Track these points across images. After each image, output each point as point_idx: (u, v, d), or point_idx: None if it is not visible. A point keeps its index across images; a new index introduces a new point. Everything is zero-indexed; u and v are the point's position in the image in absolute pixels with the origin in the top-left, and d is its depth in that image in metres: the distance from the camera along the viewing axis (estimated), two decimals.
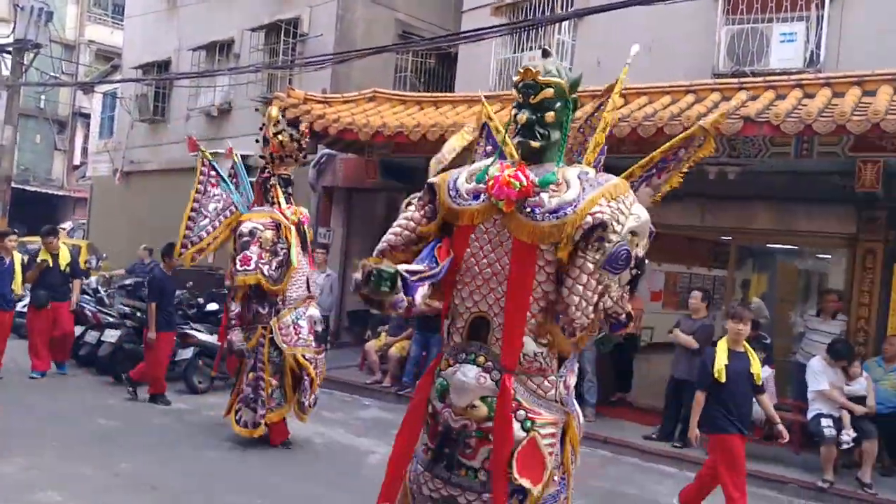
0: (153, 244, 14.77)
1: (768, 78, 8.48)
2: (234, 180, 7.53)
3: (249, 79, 14.57)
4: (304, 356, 7.03)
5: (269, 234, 6.94)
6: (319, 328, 7.30)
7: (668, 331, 8.64)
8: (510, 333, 3.03)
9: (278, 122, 7.23)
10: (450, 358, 3.17)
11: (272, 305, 7.02)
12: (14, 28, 18.32)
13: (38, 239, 18.38)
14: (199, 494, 5.85)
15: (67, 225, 24.00)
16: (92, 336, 9.99)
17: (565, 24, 10.99)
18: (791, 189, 8.76)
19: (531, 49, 11.27)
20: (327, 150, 12.54)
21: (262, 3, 15.24)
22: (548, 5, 11.24)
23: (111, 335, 9.52)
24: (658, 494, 6.81)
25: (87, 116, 25.28)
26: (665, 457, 7.93)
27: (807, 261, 10.91)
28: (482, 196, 3.07)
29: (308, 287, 7.25)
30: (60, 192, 29.65)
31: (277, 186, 7.17)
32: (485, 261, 3.06)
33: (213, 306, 10.43)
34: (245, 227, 6.95)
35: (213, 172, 7.45)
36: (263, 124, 7.33)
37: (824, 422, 7.28)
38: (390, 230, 3.29)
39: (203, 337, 9.46)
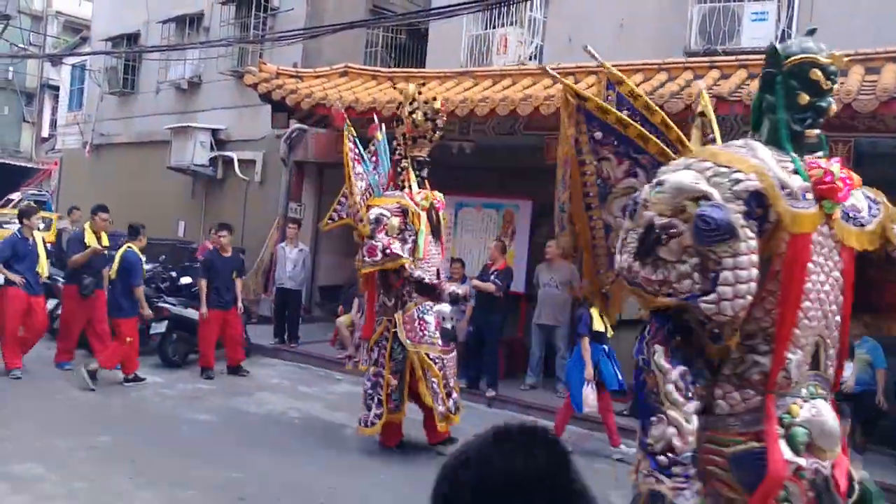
0: (123, 217, 14.62)
1: (740, 57, 8.55)
2: (374, 159, 6.97)
3: (220, 52, 14.38)
4: (428, 355, 6.47)
5: (395, 221, 6.42)
6: (448, 325, 6.68)
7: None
8: (841, 355, 2.78)
9: (414, 100, 6.69)
10: (793, 399, 2.66)
11: (398, 297, 6.57)
12: None
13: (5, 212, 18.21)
14: (176, 467, 5.87)
15: (16, 196, 23.54)
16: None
17: (537, 0, 10.96)
18: None
19: (503, 26, 11.24)
20: (298, 125, 12.46)
21: None
22: None
23: None
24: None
25: (56, 88, 24.79)
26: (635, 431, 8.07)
27: None
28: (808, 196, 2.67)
29: (439, 278, 6.78)
30: (29, 165, 29.09)
31: (410, 169, 6.71)
32: (822, 275, 2.68)
33: (186, 279, 10.39)
34: (371, 215, 6.47)
35: (357, 150, 6.91)
36: (399, 103, 6.85)
37: None
38: (743, 287, 2.50)
39: (176, 310, 9.43)
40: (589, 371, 6.91)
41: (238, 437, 6.83)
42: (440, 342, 6.54)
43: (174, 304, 9.51)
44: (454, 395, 6.63)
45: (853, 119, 7.22)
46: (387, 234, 6.40)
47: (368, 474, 6.16)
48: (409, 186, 6.66)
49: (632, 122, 3.14)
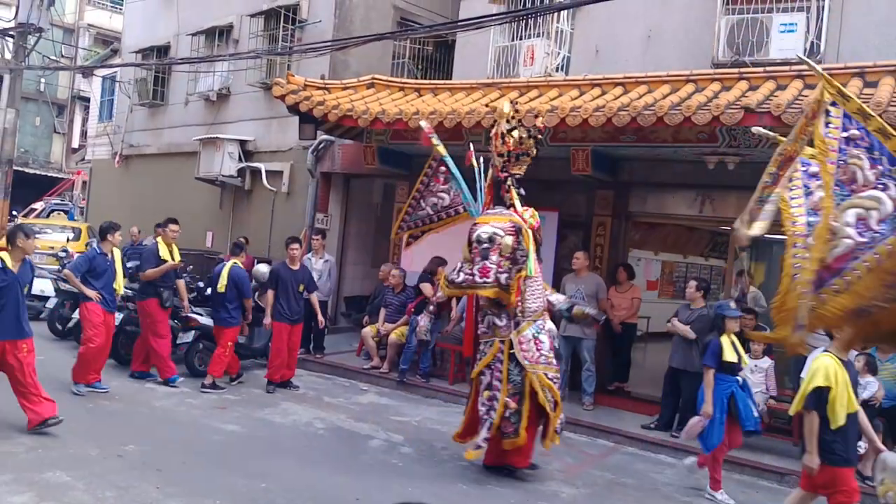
0: (152, 227, 14.81)
1: (768, 68, 8.49)
2: (473, 185, 6.99)
3: (248, 64, 14.55)
4: (546, 375, 6.31)
5: (509, 240, 6.25)
6: (557, 343, 6.57)
7: (667, 320, 8.69)
8: None
9: (511, 118, 6.56)
10: None
11: (511, 317, 6.39)
12: (17, 12, 18.30)
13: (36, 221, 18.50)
14: (203, 476, 5.91)
15: (39, 205, 23.92)
16: None
17: (564, 12, 10.97)
18: None
19: (530, 37, 11.26)
20: (325, 136, 12.55)
21: None
22: None
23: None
24: (657, 483, 6.89)
25: (87, 100, 25.24)
26: (663, 446, 7.98)
27: None
28: None
29: (544, 298, 6.60)
30: (60, 175, 29.61)
31: (512, 188, 6.59)
32: None
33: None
34: (484, 233, 6.31)
35: (442, 168, 6.88)
36: (494, 121, 6.74)
37: None
38: None
39: (204, 320, 9.51)
40: (707, 408, 6.47)
41: (264, 447, 6.86)
42: (555, 362, 6.39)
43: (201, 315, 9.59)
44: (562, 416, 6.55)
45: None
46: (500, 253, 6.25)
47: (395, 486, 6.15)
48: (513, 204, 6.52)
49: (894, 133, 2.96)
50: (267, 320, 8.96)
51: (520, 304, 6.33)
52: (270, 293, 8.98)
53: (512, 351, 6.31)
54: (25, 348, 6.44)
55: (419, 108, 9.49)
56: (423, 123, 7.16)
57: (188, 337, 9.41)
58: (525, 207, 6.56)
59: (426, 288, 9.87)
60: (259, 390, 9.04)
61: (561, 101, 8.89)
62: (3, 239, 6.58)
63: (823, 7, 9.10)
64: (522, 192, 6.66)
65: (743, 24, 9.38)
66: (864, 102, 6.83)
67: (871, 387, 7.15)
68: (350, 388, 9.79)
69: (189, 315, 9.45)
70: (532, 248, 6.37)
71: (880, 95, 6.92)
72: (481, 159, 6.98)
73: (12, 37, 18.54)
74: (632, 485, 6.84)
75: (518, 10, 10.86)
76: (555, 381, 6.36)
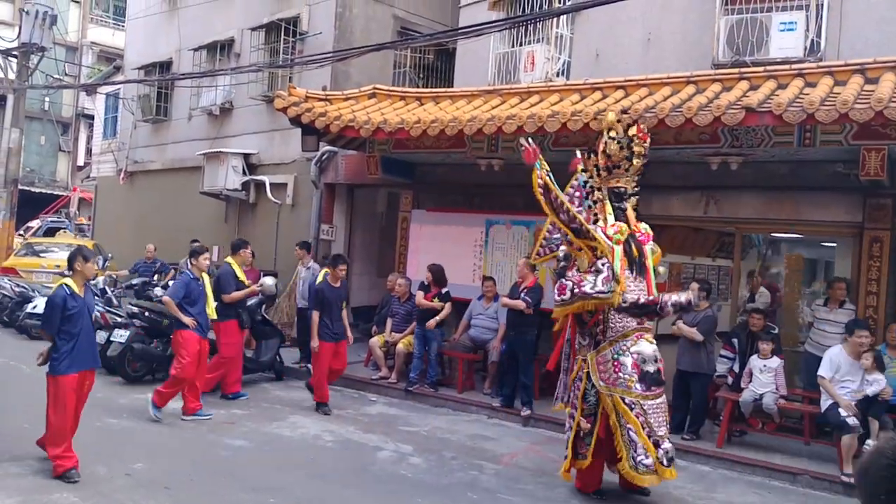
0: (158, 243, 14.87)
1: (769, 67, 8.46)
2: (579, 194, 6.78)
3: (250, 78, 14.59)
4: (623, 399, 5.98)
5: (584, 259, 6.16)
6: (651, 368, 6.04)
7: (671, 322, 8.65)
8: None
9: (611, 128, 6.30)
10: None
11: (592, 337, 6.22)
12: (20, 32, 18.44)
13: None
14: (212, 494, 5.91)
15: (35, 223, 24.00)
16: (101, 336, 10.04)
17: (563, 17, 10.97)
18: (795, 178, 8.76)
19: (530, 43, 11.27)
20: (328, 147, 12.57)
21: (261, 3, 15.26)
22: None
23: (120, 335, 9.55)
24: (669, 486, 6.82)
25: (91, 117, 25.37)
26: (676, 450, 7.91)
27: (813, 250, 10.89)
28: None
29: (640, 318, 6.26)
30: (65, 193, 29.73)
31: (606, 202, 6.33)
32: None
33: None
34: (561, 252, 6.35)
35: (578, 189, 6.68)
36: (598, 133, 6.53)
37: (843, 411, 7.07)
38: None
39: (210, 336, 9.48)
40: None
41: (273, 462, 6.84)
42: (638, 386, 6.02)
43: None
44: (664, 444, 6.01)
45: (885, 127, 7.11)
46: (578, 270, 6.17)
47: (404, 497, 6.13)
48: (605, 219, 6.27)
49: None
50: (314, 342, 8.70)
51: (601, 323, 6.13)
52: (316, 314, 8.74)
53: (589, 371, 6.16)
54: (89, 383, 6.17)
55: (420, 117, 9.49)
56: (526, 140, 6.83)
57: None
58: (614, 223, 6.21)
59: (419, 296, 9.88)
60: (268, 404, 9.03)
61: (562, 105, 8.89)
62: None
63: (823, 5, 9.07)
64: (624, 206, 6.36)
65: (742, 24, 9.35)
66: (865, 99, 6.87)
67: (879, 383, 7.11)
68: (359, 399, 9.77)
69: None
70: (620, 264, 6.01)
71: (881, 92, 6.88)
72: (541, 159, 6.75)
73: (15, 57, 18.69)
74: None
75: (517, 17, 10.87)
76: (632, 406, 5.94)
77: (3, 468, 6.04)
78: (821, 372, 7.41)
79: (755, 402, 7.86)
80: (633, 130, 6.34)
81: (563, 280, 6.18)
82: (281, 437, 7.74)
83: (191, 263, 8.34)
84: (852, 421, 6.98)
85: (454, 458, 7.29)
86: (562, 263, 6.24)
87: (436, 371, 9.93)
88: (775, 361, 7.92)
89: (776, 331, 8.47)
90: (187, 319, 7.87)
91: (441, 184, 11.77)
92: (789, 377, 8.46)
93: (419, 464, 7.07)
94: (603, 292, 5.93)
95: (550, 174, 6.38)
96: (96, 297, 10.70)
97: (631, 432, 5.95)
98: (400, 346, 10.17)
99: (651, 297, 6.14)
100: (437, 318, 9.70)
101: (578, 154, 6.80)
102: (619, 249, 6.09)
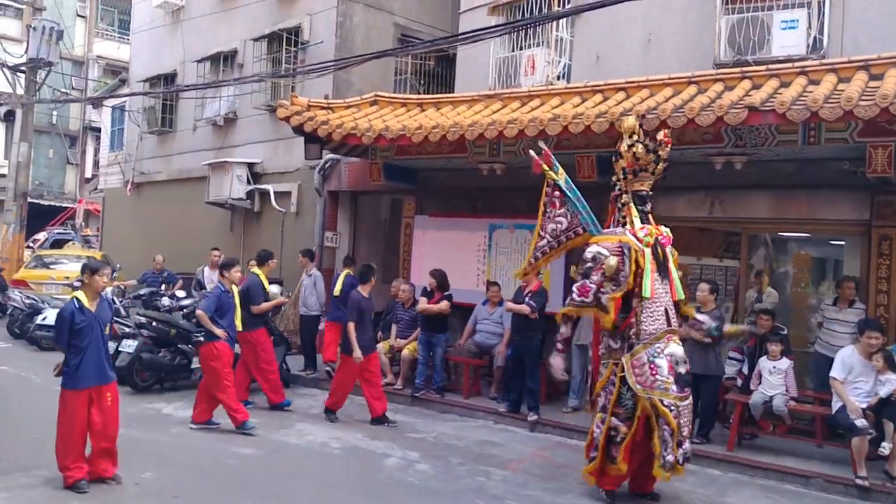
0: (165, 253, 14.91)
1: (771, 66, 8.40)
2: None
3: (253, 88, 14.64)
4: (662, 402, 5.99)
5: (613, 260, 6.07)
6: (682, 369, 6.14)
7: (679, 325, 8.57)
8: None
9: (633, 132, 6.39)
10: None
11: (625, 340, 6.21)
12: (27, 48, 18.58)
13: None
14: (220, 502, 5.91)
15: (41, 235, 24.14)
16: (110, 347, 10.06)
17: (563, 20, 10.96)
18: (801, 177, 8.69)
19: (530, 47, 11.27)
20: (331, 155, 12.59)
21: (263, 13, 15.32)
22: (544, 2, 11.22)
23: (128, 345, 9.56)
24: (679, 491, 6.77)
25: (98, 130, 25.51)
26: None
27: (821, 249, 10.82)
28: None
29: (668, 320, 6.24)
30: (73, 206, 29.89)
31: (632, 205, 6.38)
32: None
33: None
34: (588, 253, 6.26)
35: (556, 192, 6.67)
36: (619, 137, 6.56)
37: (851, 414, 6.99)
38: None
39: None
40: None
41: (280, 470, 6.83)
42: (674, 388, 6.02)
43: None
44: (685, 444, 6.13)
45: (891, 123, 7.06)
46: (603, 274, 6.12)
47: None
48: (631, 222, 6.32)
49: None
50: (357, 353, 8.43)
51: (634, 325, 6.12)
52: (352, 325, 8.50)
53: (623, 374, 6.12)
54: (110, 397, 6.04)
55: (422, 123, 9.48)
56: (540, 144, 6.88)
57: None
58: (642, 226, 6.30)
59: (422, 302, 9.85)
60: (276, 412, 9.00)
61: (563, 108, 8.86)
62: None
63: (825, 2, 9.03)
64: (647, 208, 6.43)
65: (743, 22, 9.31)
66: (870, 95, 6.82)
67: (892, 383, 7.02)
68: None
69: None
70: (650, 267, 6.09)
71: (886, 87, 6.82)
72: (557, 165, 6.81)
73: (23, 72, 18.83)
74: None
75: (517, 21, 10.86)
76: (671, 408, 5.96)
77: (13, 478, 6.07)
78: (833, 373, 7.33)
79: (765, 404, 7.77)
80: (660, 135, 6.44)
81: (588, 282, 6.16)
82: (288, 444, 7.73)
83: (221, 276, 8.41)
84: (860, 423, 6.88)
85: (461, 465, 7.25)
86: (588, 265, 6.18)
87: (441, 377, 9.89)
88: (785, 363, 7.85)
89: (785, 331, 8.39)
90: (219, 331, 7.94)
91: (444, 189, 11.76)
92: (799, 378, 8.37)
93: (426, 470, 7.03)
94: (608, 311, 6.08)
95: (560, 183, 6.54)
96: None
97: (666, 433, 5.98)
98: (405, 352, 10.14)
99: (669, 326, 6.21)
100: (437, 308, 9.68)
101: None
102: (649, 252, 6.13)
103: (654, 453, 6.07)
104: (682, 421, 6.03)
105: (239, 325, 8.31)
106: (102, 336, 6.02)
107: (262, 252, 9.64)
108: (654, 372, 6.01)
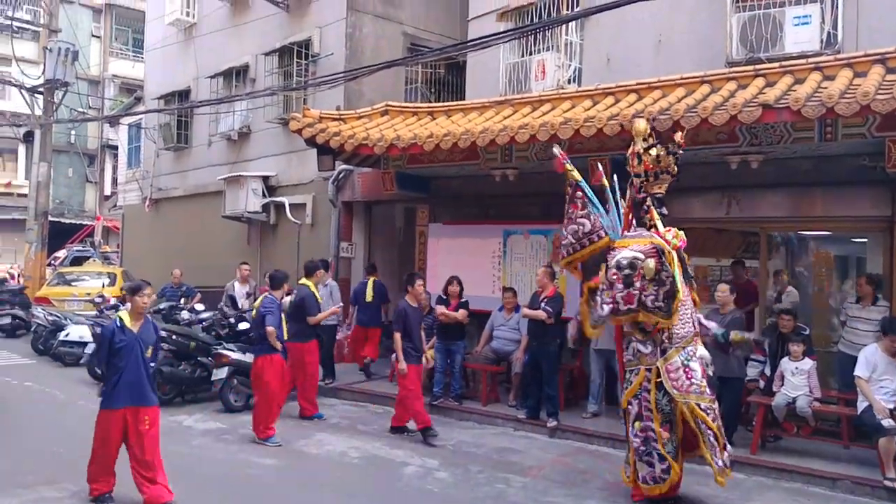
0: (183, 267, 14.98)
1: (784, 63, 8.31)
2: (606, 205, 6.71)
3: (266, 102, 14.72)
4: (699, 405, 5.95)
5: (651, 262, 6.01)
6: (711, 371, 6.17)
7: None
8: None
9: (649, 135, 6.42)
10: None
11: (657, 344, 6.15)
12: (44, 69, 18.84)
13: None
14: None
15: (62, 253, 24.39)
16: None
17: (572, 24, 10.93)
18: (819, 174, 8.57)
19: (539, 52, 11.24)
20: (344, 166, 12.62)
21: (273, 27, 15.42)
22: (553, 6, 11.19)
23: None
24: (702, 495, 6.66)
25: (115, 148, 25.79)
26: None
27: (842, 247, 10.67)
28: None
29: (694, 322, 6.23)
30: (94, 223, 30.19)
31: (654, 208, 6.39)
32: None
33: (244, 325, 10.53)
34: (624, 258, 6.11)
35: (578, 193, 6.59)
36: (632, 140, 6.52)
37: (877, 414, 6.84)
38: None
39: (236, 356, 9.53)
40: None
41: (300, 480, 6.83)
42: (709, 391, 6.01)
43: (234, 351, 9.63)
44: (729, 448, 6.19)
45: None
46: (644, 277, 6.02)
47: None
48: (655, 225, 6.31)
49: None
50: (402, 365, 8.23)
51: (667, 329, 6.09)
52: (398, 335, 8.30)
53: (659, 380, 6.04)
54: (147, 420, 5.84)
55: (433, 131, 9.47)
56: (556, 150, 6.80)
57: (222, 373, 9.43)
58: (668, 228, 6.31)
59: (439, 310, 9.80)
60: (294, 421, 8.98)
61: (574, 112, 8.81)
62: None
63: None
64: (665, 211, 6.44)
65: (755, 20, 9.23)
66: (887, 89, 6.70)
67: None
68: (384, 414, 9.67)
69: (221, 352, 9.50)
70: (678, 269, 6.06)
71: None
72: (615, 178, 6.78)
73: (41, 93, 19.09)
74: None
75: (526, 26, 10.83)
76: (708, 411, 5.95)
77: (37, 492, 6.12)
78: (857, 372, 7.20)
79: (788, 405, 7.63)
80: (679, 136, 6.43)
81: (632, 290, 6.06)
82: (308, 454, 7.73)
83: (272, 290, 8.57)
84: (887, 423, 6.74)
85: (480, 472, 7.19)
86: (626, 272, 6.07)
87: (460, 384, 9.84)
88: (807, 363, 7.71)
89: (807, 331, 8.24)
90: (278, 344, 8.15)
91: (457, 197, 11.74)
92: (824, 379, 8.23)
93: (445, 478, 6.98)
94: (661, 308, 6.00)
95: (579, 184, 6.54)
96: None
97: (710, 437, 5.96)
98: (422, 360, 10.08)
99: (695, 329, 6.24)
100: (458, 316, 9.66)
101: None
102: (675, 255, 6.13)
103: (706, 460, 6.05)
104: (720, 423, 6.04)
105: (284, 335, 8.48)
106: (143, 357, 5.84)
107: (309, 263, 9.73)
108: (689, 376, 5.98)
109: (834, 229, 9.51)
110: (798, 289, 10.00)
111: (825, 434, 7.98)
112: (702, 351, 6.15)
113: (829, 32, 8.96)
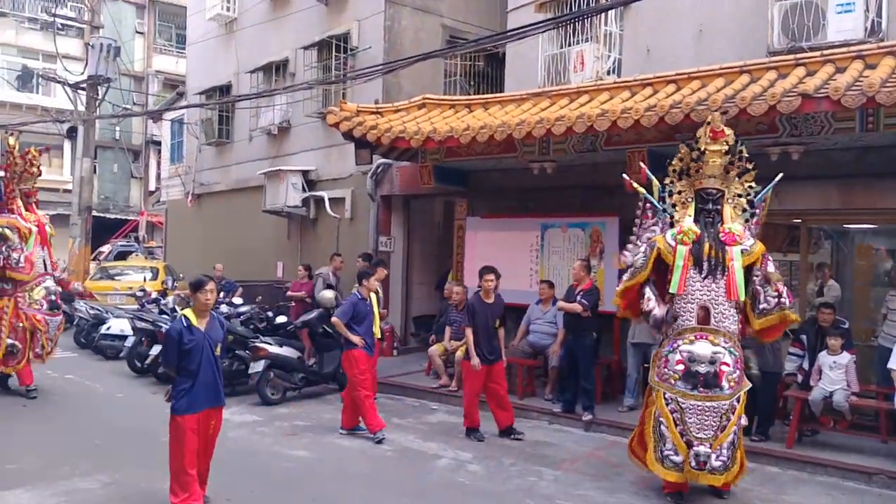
0: (224, 262, 15.25)
1: (826, 52, 8.12)
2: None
3: (305, 96, 14.87)
4: (664, 395, 6.14)
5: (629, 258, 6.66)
6: (702, 368, 6.04)
7: None
8: None
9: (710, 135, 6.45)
10: None
11: (664, 336, 6.39)
12: (86, 65, 19.29)
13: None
14: None
15: (106, 248, 24.92)
16: None
17: (612, 13, 10.81)
18: (861, 165, 8.38)
19: (578, 43, 11.14)
20: (383, 160, 12.68)
21: (312, 22, 15.55)
22: None
23: None
24: (734, 489, 6.58)
25: (159, 144, 26.28)
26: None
27: (887, 239, 10.41)
28: None
29: (707, 318, 6.17)
30: (138, 218, 30.82)
31: (690, 204, 6.53)
32: None
33: (281, 319, 10.71)
34: (638, 259, 6.54)
35: (647, 205, 6.73)
36: (697, 139, 6.53)
37: None
38: None
39: (274, 349, 9.69)
40: None
41: (333, 473, 6.91)
42: (679, 383, 6.07)
43: (271, 344, 9.77)
44: (698, 448, 6.00)
45: None
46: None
47: None
48: (677, 221, 6.49)
49: None
50: (475, 360, 8.00)
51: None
52: (470, 331, 8.10)
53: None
54: (213, 424, 5.66)
55: (469, 124, 9.47)
56: (638, 164, 7.07)
57: (259, 367, 9.58)
58: (679, 224, 6.44)
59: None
60: (329, 415, 9.07)
61: (612, 104, 8.72)
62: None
63: None
64: (709, 207, 6.44)
65: (797, 8, 9.03)
66: None
67: None
68: (420, 407, 9.78)
69: (258, 345, 9.66)
70: (681, 262, 6.17)
71: None
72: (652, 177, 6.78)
73: (84, 89, 19.53)
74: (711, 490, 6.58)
75: (565, 16, 10.73)
76: (668, 401, 6.09)
77: (72, 483, 6.27)
78: (891, 364, 7.06)
79: (825, 399, 7.51)
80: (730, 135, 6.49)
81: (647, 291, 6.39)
82: (341, 447, 7.80)
83: (360, 284, 8.41)
84: None
85: (513, 465, 7.21)
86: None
87: None
88: (845, 357, 7.57)
89: (846, 325, 8.08)
90: (355, 338, 8.02)
91: (495, 190, 11.73)
92: (864, 372, 8.08)
93: (477, 471, 7.01)
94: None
95: (648, 195, 6.67)
96: (165, 315, 11.06)
97: (662, 426, 6.12)
98: (459, 353, 10.10)
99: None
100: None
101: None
102: (682, 249, 6.19)
103: (647, 443, 6.27)
104: (686, 418, 6.01)
105: (378, 333, 8.46)
106: (214, 356, 5.57)
107: (362, 270, 9.24)
108: (664, 365, 6.20)
109: (877, 222, 9.28)
110: (840, 282, 9.79)
111: (863, 428, 7.83)
112: (695, 346, 6.06)
113: (873, 20, 8.73)
